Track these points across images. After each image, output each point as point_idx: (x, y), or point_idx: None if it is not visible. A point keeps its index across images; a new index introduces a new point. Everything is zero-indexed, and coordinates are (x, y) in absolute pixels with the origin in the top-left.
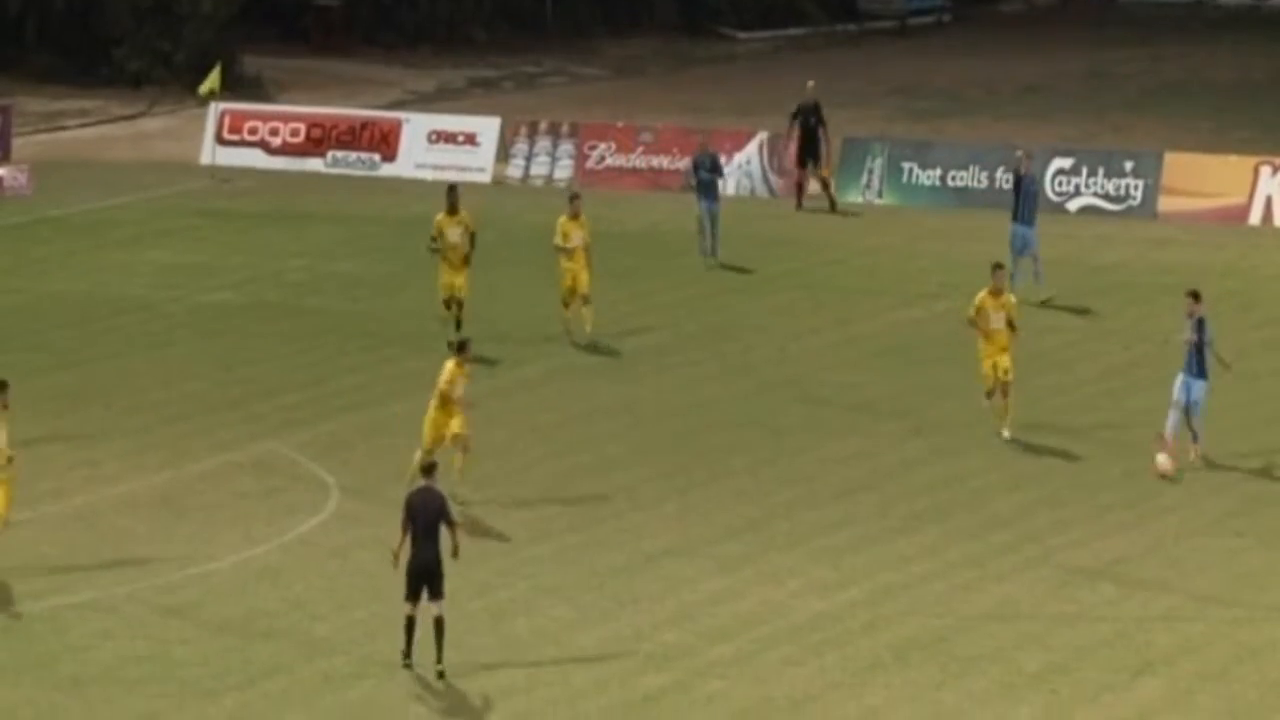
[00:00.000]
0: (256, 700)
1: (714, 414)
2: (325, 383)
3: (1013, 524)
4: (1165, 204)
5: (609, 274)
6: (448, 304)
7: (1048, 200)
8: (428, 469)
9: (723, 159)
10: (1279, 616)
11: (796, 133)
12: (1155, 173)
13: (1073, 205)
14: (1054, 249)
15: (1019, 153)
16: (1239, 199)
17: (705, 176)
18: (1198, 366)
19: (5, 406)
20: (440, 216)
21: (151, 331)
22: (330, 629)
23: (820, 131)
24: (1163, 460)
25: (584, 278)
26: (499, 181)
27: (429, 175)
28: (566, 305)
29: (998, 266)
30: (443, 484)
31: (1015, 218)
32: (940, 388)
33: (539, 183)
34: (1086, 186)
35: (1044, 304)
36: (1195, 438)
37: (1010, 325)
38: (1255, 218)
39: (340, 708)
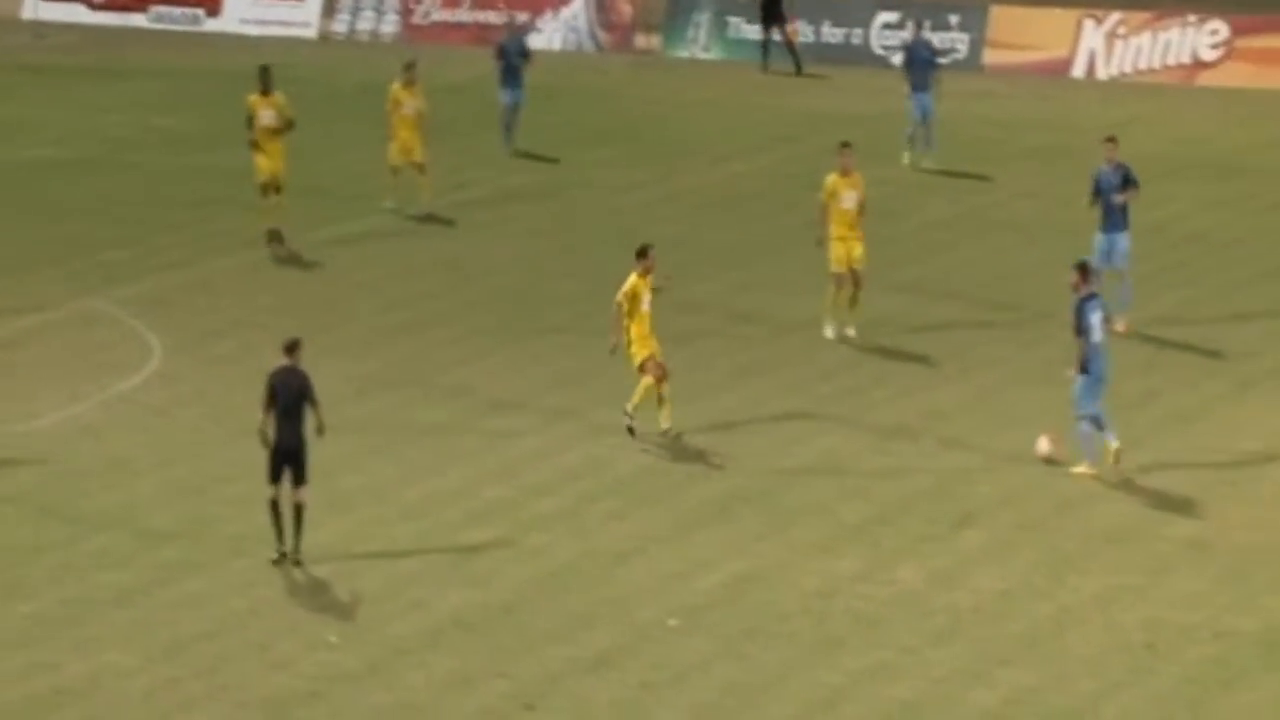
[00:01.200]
0: (78, 559)
1: (538, 269)
2: (147, 239)
3: (836, 377)
4: (990, 57)
5: (433, 129)
6: (265, 189)
7: (873, 55)
8: (290, 347)
9: (548, 14)
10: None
11: None
12: (980, 26)
13: (898, 59)
14: (879, 103)
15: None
16: (1062, 52)
17: (517, 62)
18: (1122, 219)
19: None
20: (253, 97)
21: None
22: (152, 486)
23: None
24: (1043, 444)
25: (418, 148)
26: (325, 37)
27: (254, 31)
28: (395, 173)
29: (844, 145)
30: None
31: (914, 87)
32: (766, 240)
33: (365, 38)
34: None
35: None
36: (1126, 301)
37: (861, 207)
38: (1079, 70)
39: (160, 566)
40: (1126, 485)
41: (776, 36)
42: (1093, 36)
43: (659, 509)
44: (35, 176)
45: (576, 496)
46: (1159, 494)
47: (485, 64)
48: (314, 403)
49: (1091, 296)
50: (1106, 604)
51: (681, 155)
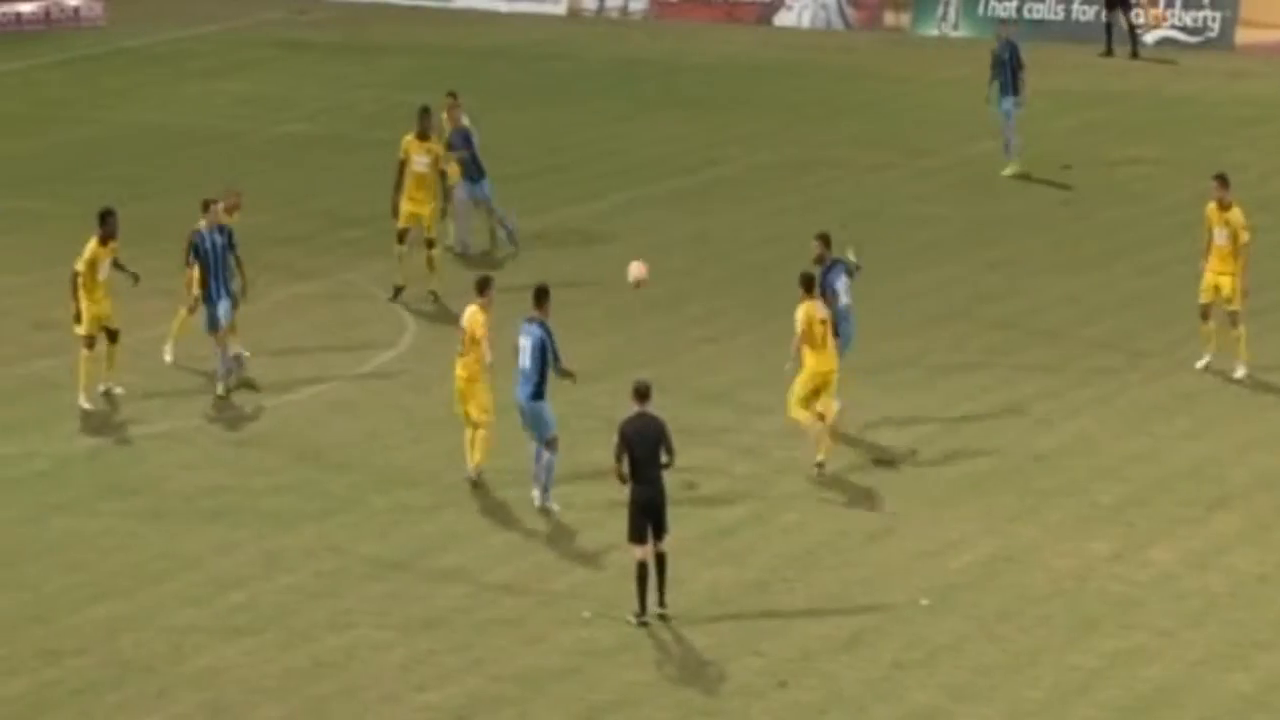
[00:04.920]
0: (333, 531)
1: (789, 246)
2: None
3: (1090, 356)
4: (1243, 36)
5: (682, 105)
6: (402, 236)
7: (1125, 32)
8: (641, 393)
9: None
10: None
11: None
12: (1234, 5)
13: (1150, 38)
14: (1130, 81)
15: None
16: None
17: (464, 155)
18: None
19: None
20: (408, 139)
21: (226, 163)
22: (407, 460)
23: None
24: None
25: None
26: (574, 13)
27: (503, 8)
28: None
29: (1218, 178)
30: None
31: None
32: (1017, 220)
33: (614, 15)
34: (1164, 19)
35: (1012, 176)
36: None
37: (1235, 240)
38: None
39: (417, 539)
40: None
41: (1122, 21)
42: None
43: (911, 489)
44: (290, 151)
45: (828, 475)
46: None
47: (735, 40)
48: (670, 452)
49: (835, 263)
50: None
51: (930, 134)
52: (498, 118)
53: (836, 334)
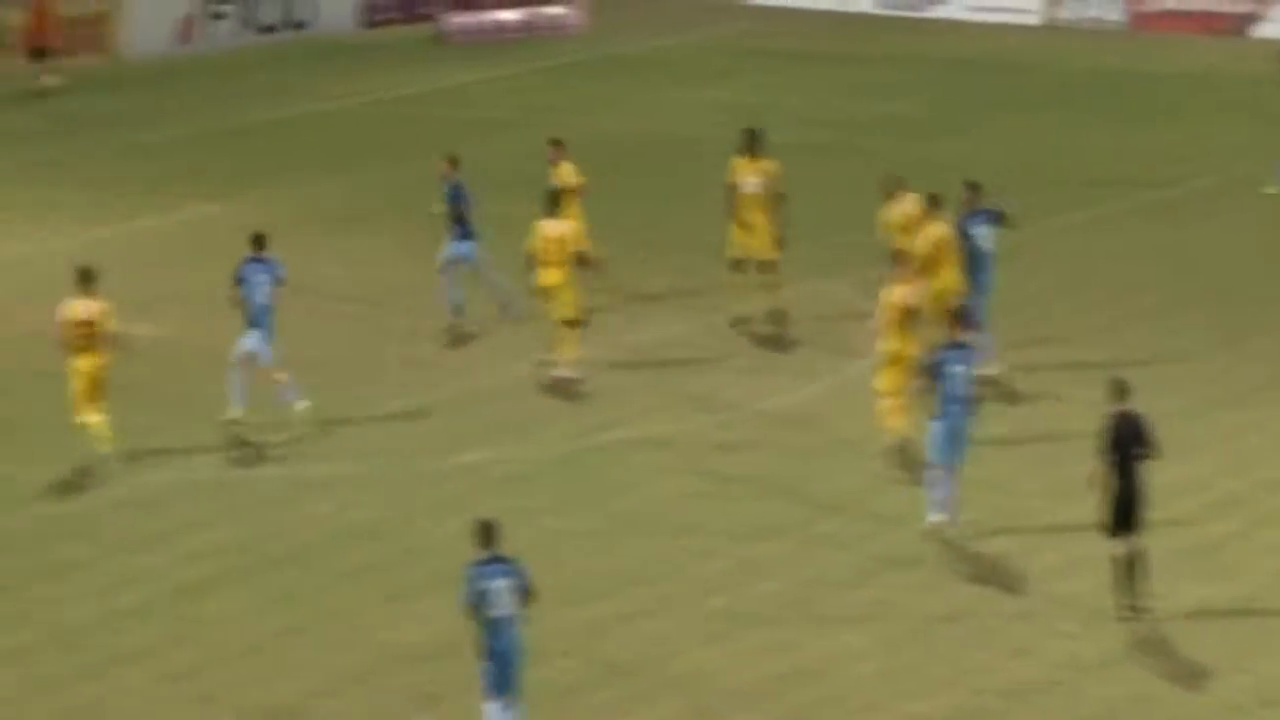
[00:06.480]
0: (815, 538)
1: (1265, 261)
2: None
3: None
4: None
5: (1159, 115)
6: (738, 265)
7: None
8: (1120, 390)
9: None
10: None
11: None
12: None
13: None
14: None
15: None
16: None
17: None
18: None
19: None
20: (737, 159)
21: (699, 171)
22: (879, 466)
23: None
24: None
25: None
26: (1050, 24)
27: (979, 18)
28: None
29: None
30: None
31: None
32: None
33: (1088, 25)
34: None
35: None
36: None
37: None
38: None
39: (890, 546)
40: None
41: None
42: None
43: None
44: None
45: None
46: None
47: (1213, 52)
48: (1152, 445)
49: (979, 213)
50: None
51: None
52: (986, 128)
53: (975, 285)
